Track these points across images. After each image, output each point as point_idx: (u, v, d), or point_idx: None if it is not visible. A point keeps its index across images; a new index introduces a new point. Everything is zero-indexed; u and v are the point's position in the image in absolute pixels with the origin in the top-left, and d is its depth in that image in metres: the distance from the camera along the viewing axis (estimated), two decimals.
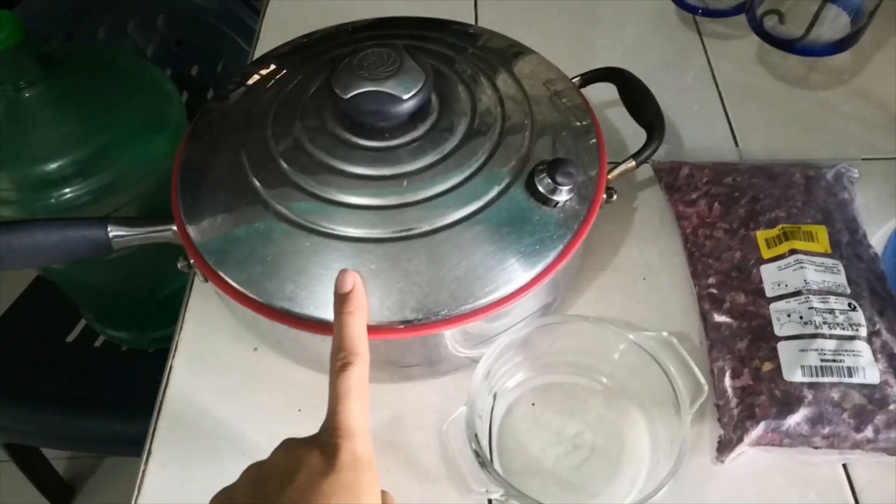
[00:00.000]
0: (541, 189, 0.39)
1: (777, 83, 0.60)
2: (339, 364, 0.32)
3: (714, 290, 0.45)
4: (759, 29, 0.57)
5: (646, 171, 0.53)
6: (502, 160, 0.41)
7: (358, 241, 0.38)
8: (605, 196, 0.45)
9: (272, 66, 0.48)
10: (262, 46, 0.66)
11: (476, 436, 0.37)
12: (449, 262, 0.38)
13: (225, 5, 0.92)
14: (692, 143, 0.56)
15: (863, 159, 0.52)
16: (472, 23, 0.65)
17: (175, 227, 0.41)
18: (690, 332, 0.45)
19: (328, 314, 0.37)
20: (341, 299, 0.35)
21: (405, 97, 0.39)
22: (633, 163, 0.46)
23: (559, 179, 0.39)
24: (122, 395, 0.83)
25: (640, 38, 0.64)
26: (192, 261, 0.41)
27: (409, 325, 0.37)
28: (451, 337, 0.40)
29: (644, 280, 0.48)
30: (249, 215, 0.40)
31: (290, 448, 0.31)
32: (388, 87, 0.39)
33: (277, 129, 0.42)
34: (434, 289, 0.37)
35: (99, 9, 0.93)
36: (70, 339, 0.94)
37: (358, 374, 0.32)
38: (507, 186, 0.40)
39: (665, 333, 0.40)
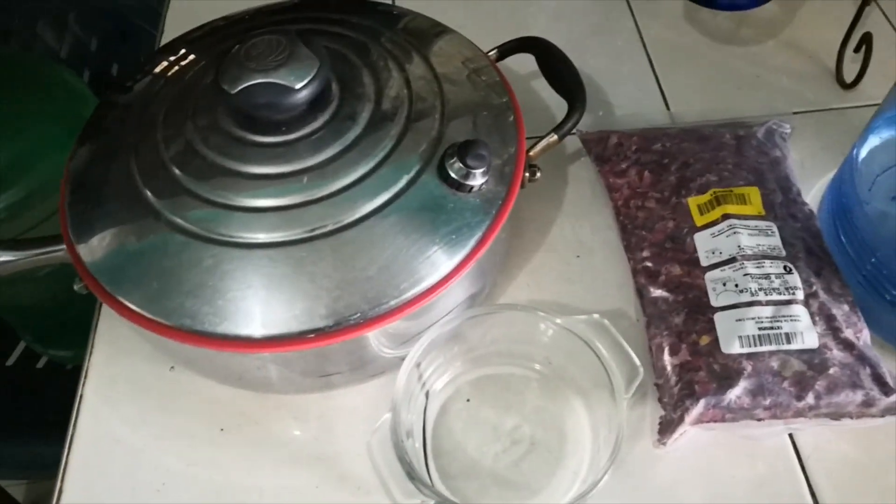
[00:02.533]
0: (452, 174, 0.37)
1: (706, 41, 0.58)
2: None
3: (649, 264, 0.43)
4: None
5: (576, 143, 0.51)
6: (411, 146, 0.38)
7: (259, 248, 0.35)
8: (527, 175, 0.43)
9: (179, 53, 0.45)
10: (169, 33, 0.62)
11: (402, 443, 0.34)
12: (359, 262, 0.35)
13: None
14: (623, 111, 0.53)
15: (794, 113, 0.51)
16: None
17: (65, 247, 0.38)
18: (628, 309, 0.44)
19: (233, 329, 0.34)
20: None
21: (298, 86, 0.36)
22: (555, 137, 0.44)
23: (470, 163, 0.36)
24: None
25: (567, 5, 0.62)
26: None
27: (320, 333, 0.34)
28: (373, 339, 0.38)
29: (578, 258, 0.46)
30: (142, 228, 0.37)
31: None
32: (278, 78, 0.36)
33: (168, 130, 0.39)
34: (344, 292, 0.35)
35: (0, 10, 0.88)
36: (10, 362, 0.91)
37: None
38: (418, 174, 0.37)
39: (596, 315, 0.38)
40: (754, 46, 0.57)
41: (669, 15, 0.59)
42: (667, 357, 0.39)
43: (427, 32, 0.46)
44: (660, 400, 0.39)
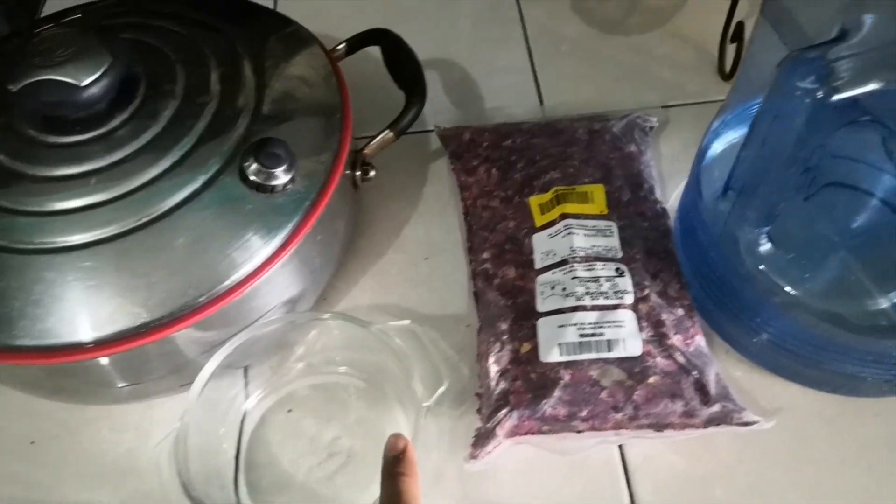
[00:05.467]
0: (250, 175, 0.35)
1: (590, 30, 0.55)
2: None
3: (488, 266, 0.41)
4: None
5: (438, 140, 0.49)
6: (214, 146, 0.36)
7: (39, 254, 0.33)
8: (358, 174, 0.41)
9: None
10: None
11: (184, 456, 0.33)
12: (140, 268, 0.33)
13: None
14: (494, 104, 0.51)
15: (668, 106, 0.49)
16: None
17: None
18: (468, 313, 0.42)
19: (7, 340, 0.32)
20: (394, 461, 0.32)
21: (84, 83, 0.34)
22: (390, 133, 0.42)
23: (265, 162, 0.35)
24: None
25: None
26: None
27: (101, 344, 0.33)
28: (182, 342, 0.36)
29: (426, 260, 0.44)
30: None
31: None
32: (62, 74, 0.34)
33: None
34: (126, 299, 0.33)
35: None
36: None
37: None
38: (217, 174, 0.35)
39: (408, 321, 0.37)
40: (639, 35, 0.55)
41: (555, 4, 0.57)
42: (490, 365, 0.37)
43: (272, 29, 0.44)
44: (478, 411, 0.37)
